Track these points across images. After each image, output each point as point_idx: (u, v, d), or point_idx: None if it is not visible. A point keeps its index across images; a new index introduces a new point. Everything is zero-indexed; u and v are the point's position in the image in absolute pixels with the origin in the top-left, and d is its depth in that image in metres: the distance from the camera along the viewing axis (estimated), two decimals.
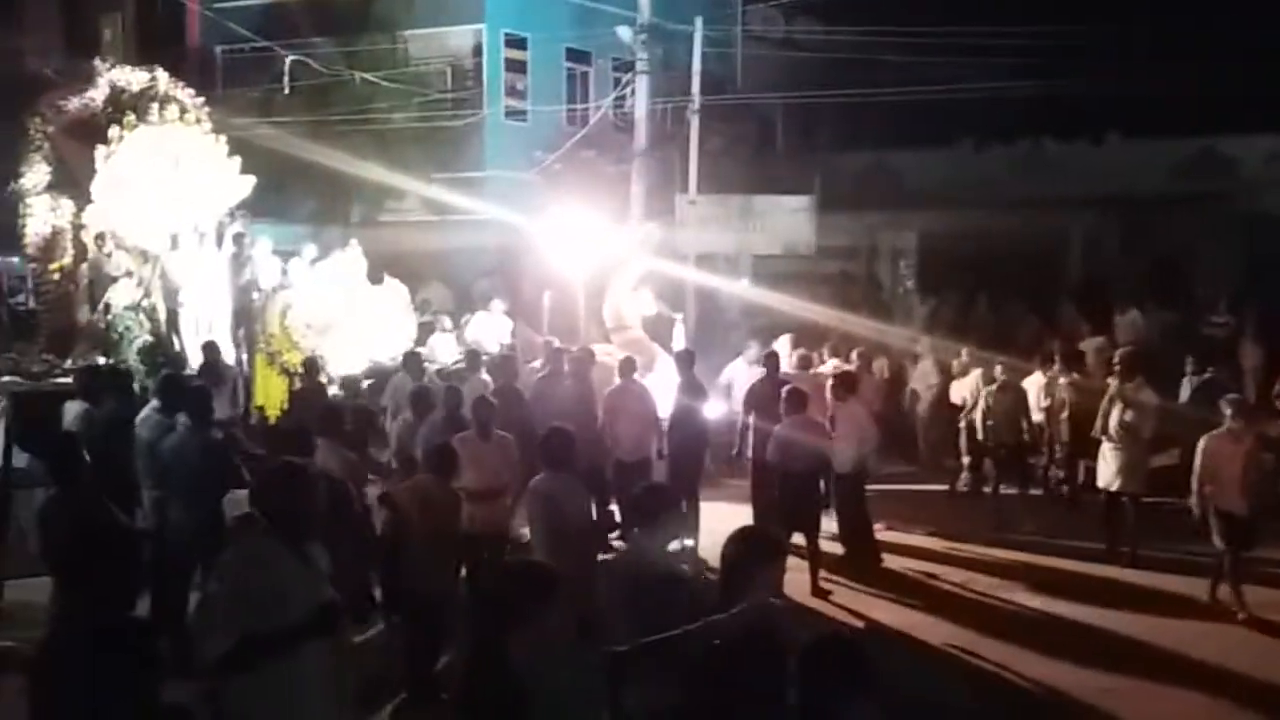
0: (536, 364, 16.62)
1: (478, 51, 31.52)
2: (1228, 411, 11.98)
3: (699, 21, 27.62)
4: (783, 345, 17.54)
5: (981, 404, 16.55)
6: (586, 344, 17.18)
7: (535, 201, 25.01)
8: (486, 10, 31.15)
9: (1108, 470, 14.03)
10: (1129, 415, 13.82)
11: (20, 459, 11.39)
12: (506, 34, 31.51)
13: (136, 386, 13.75)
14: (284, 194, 23.78)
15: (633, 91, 25.52)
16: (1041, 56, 28.91)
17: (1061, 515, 16.10)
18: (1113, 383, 14.30)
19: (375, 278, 19.04)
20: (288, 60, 28.75)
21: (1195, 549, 12.78)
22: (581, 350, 15.88)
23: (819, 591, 12.60)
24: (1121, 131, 32.07)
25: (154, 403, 11.45)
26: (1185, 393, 17.19)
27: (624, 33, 25.08)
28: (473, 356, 16.69)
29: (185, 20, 31.74)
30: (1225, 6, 33.94)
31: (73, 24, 33.79)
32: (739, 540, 5.83)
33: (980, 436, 16.61)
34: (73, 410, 11.71)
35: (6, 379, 14.41)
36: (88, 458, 8.74)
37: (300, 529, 5.72)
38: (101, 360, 15.72)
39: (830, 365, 17.39)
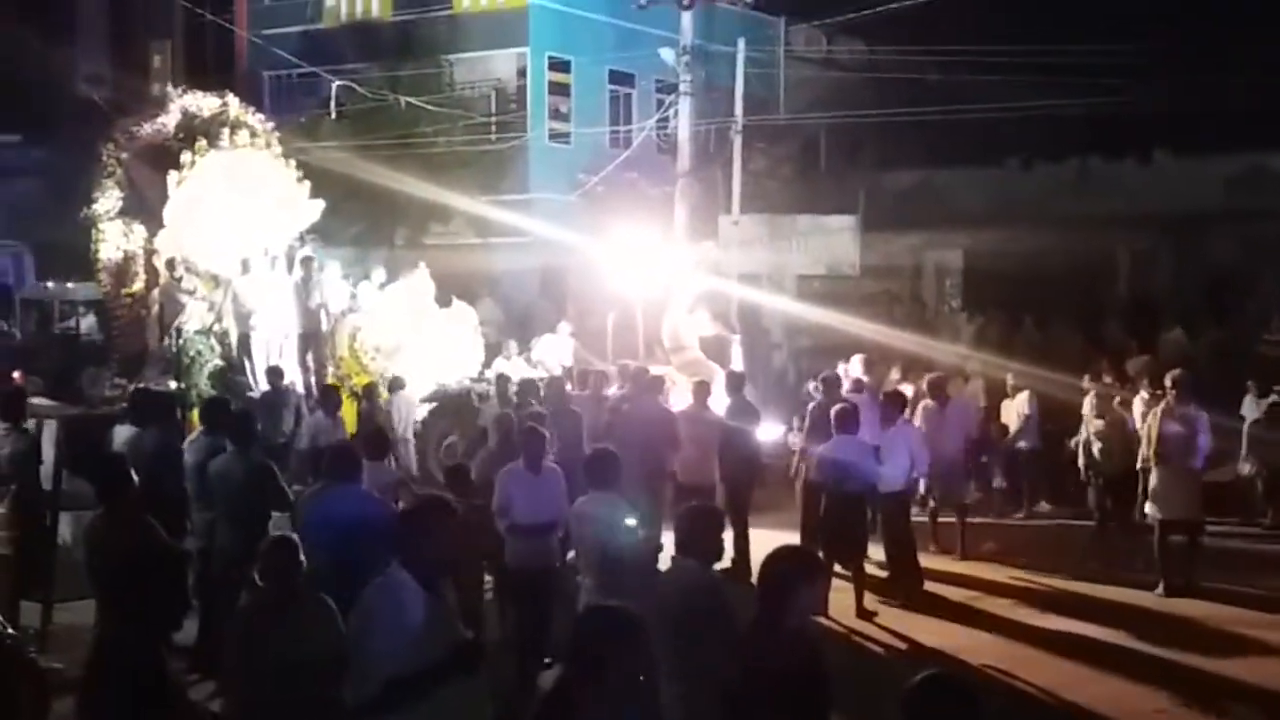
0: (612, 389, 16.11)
1: (522, 75, 31.66)
2: None
3: (741, 43, 27.68)
4: (855, 366, 17.40)
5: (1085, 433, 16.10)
6: (645, 365, 17.01)
7: (579, 223, 25.10)
8: (530, 34, 31.26)
9: (1162, 496, 13.22)
10: (1184, 433, 13.14)
11: (70, 482, 11.47)
12: (550, 57, 31.62)
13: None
14: (329, 217, 23.94)
15: (676, 113, 25.55)
16: (1088, 75, 28.79)
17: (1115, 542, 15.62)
18: (1164, 403, 13.65)
19: (443, 300, 19.03)
20: (334, 85, 29.00)
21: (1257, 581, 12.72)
22: (652, 372, 15.68)
23: (864, 613, 12.48)
24: (1170, 149, 31.83)
25: (201, 427, 11.58)
26: (1250, 411, 17.06)
27: (667, 54, 25.13)
28: (503, 382, 16.51)
29: (233, 46, 32.02)
30: (1274, 19, 33.68)
31: (122, 50, 34.15)
32: (780, 559, 5.79)
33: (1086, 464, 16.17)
34: (122, 434, 11.78)
35: (53, 403, 14.51)
36: (136, 480, 8.81)
37: (436, 569, 5.65)
38: (173, 384, 15.93)
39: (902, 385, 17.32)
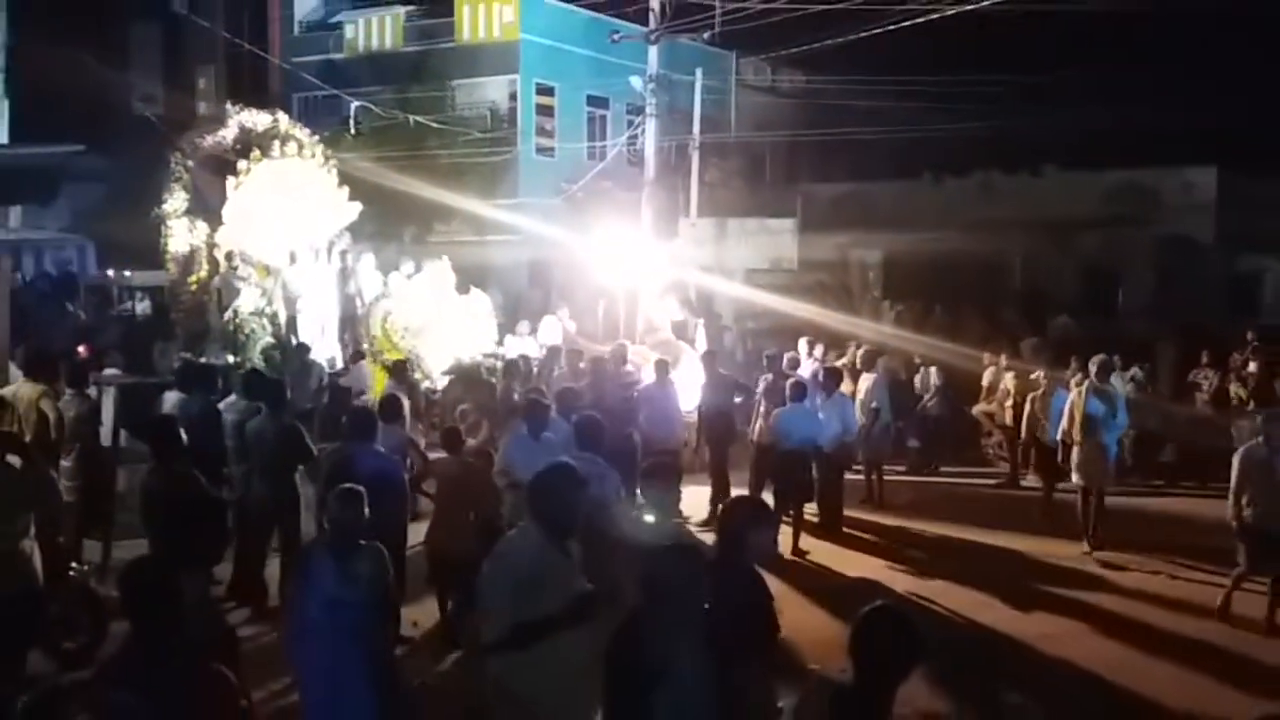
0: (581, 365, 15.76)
1: (513, 98, 31.61)
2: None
3: (699, 72, 27.70)
4: (802, 344, 17.43)
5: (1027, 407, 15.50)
6: (622, 343, 16.87)
7: (562, 224, 25.08)
8: (521, 64, 31.24)
9: (1085, 467, 12.77)
10: (1103, 411, 12.80)
11: (127, 440, 11.42)
12: (537, 83, 31.60)
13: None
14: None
15: (643, 131, 25.48)
16: (990, 102, 28.90)
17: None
18: (1087, 383, 13.11)
19: (461, 288, 18.92)
20: (353, 105, 28.81)
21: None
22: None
23: (798, 551, 12.52)
24: (1058, 165, 32.01)
25: (238, 392, 11.55)
26: (1117, 383, 16.93)
27: (636, 82, 25.04)
28: (524, 360, 16.43)
29: (267, 71, 31.80)
30: (1145, 55, 33.84)
31: (172, 73, 33.89)
32: (736, 509, 5.75)
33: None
34: (170, 399, 11.71)
35: (112, 373, 14.39)
36: (183, 438, 8.75)
37: (563, 526, 5.47)
38: (230, 358, 15.89)
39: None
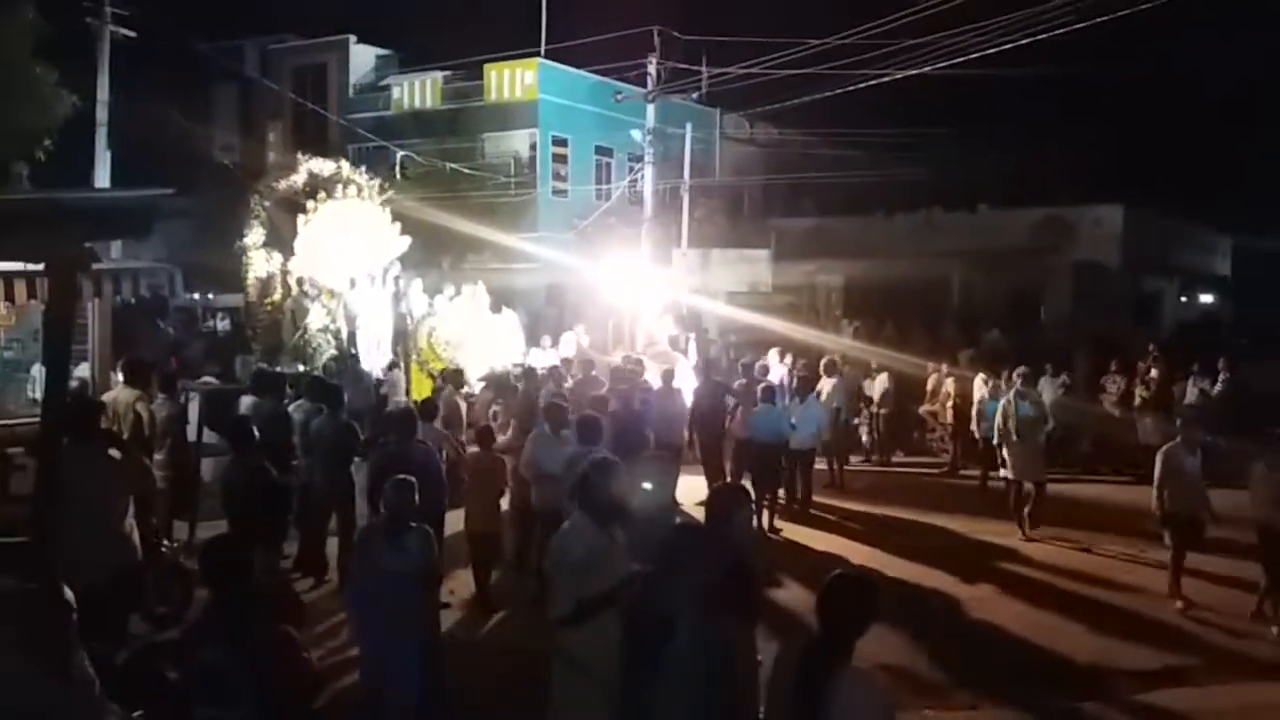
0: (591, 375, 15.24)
1: (533, 148, 31.58)
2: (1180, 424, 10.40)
3: (688, 127, 27.73)
4: (773, 354, 17.41)
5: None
6: (639, 358, 16.72)
7: (574, 254, 25.09)
8: (540, 119, 31.26)
9: (1017, 463, 12.45)
10: (1033, 413, 12.57)
11: (209, 437, 11.43)
12: (553, 136, 31.60)
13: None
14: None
15: (642, 176, 25.54)
16: (932, 150, 28.96)
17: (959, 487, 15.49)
18: (1014, 389, 12.82)
19: (495, 308, 18.85)
20: (399, 155, 28.86)
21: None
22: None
23: (773, 529, 12.52)
24: (990, 204, 32.10)
25: (303, 396, 11.57)
26: (1045, 388, 16.84)
27: (636, 134, 25.12)
28: (553, 370, 15.92)
29: (326, 126, 31.84)
30: (1064, 111, 33.94)
31: (246, 127, 33.94)
32: (721, 492, 5.78)
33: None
34: (246, 402, 11.72)
35: (198, 380, 14.40)
36: (256, 435, 8.75)
37: (608, 513, 5.41)
38: (300, 368, 15.93)
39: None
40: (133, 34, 20.20)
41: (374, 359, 17.13)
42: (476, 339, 17.95)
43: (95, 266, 7.11)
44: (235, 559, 4.37)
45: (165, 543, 9.25)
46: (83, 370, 11.53)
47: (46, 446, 5.59)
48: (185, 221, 25.40)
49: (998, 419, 12.77)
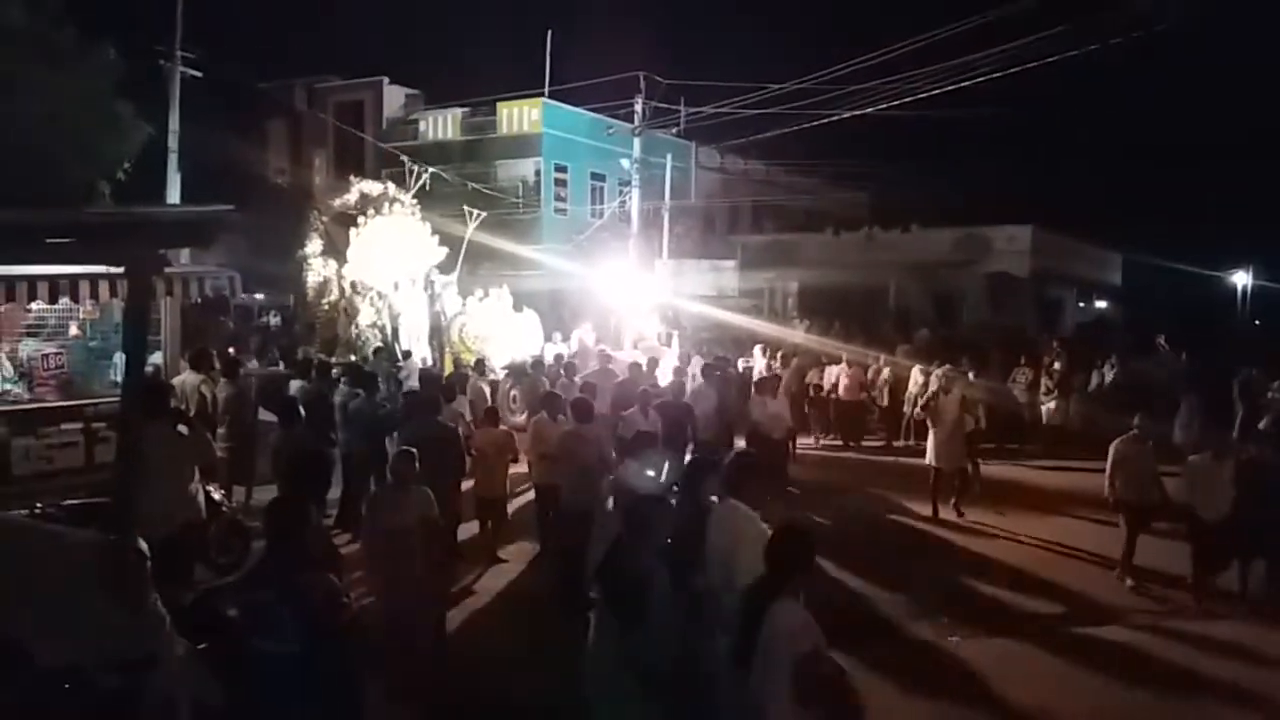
0: (592, 365, 14.87)
1: (537, 174, 31.49)
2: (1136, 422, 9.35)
3: (669, 156, 27.68)
4: (756, 350, 17.29)
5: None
6: (654, 358, 16.52)
7: (573, 264, 25.02)
8: (544, 149, 31.17)
9: (938, 451, 11.48)
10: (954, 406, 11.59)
11: (263, 414, 11.40)
12: (555, 163, 31.52)
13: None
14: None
15: (630, 198, 25.50)
16: (873, 178, 29.02)
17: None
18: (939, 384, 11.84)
19: (517, 308, 18.76)
20: (427, 174, 28.59)
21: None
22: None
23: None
24: (920, 223, 32.20)
25: (345, 380, 11.51)
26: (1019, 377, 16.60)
27: (625, 163, 25.06)
28: (558, 360, 15.88)
29: (364, 152, 31.68)
30: (983, 145, 34.04)
31: (296, 153, 33.70)
32: (693, 463, 5.84)
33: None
34: (295, 385, 11.68)
35: (254, 366, 14.31)
36: (303, 413, 8.74)
37: (756, 498, 5.12)
38: (352, 357, 15.75)
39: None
40: (199, 74, 20.06)
41: (417, 350, 17.07)
42: (501, 334, 17.92)
43: (167, 270, 7.08)
44: (291, 518, 4.38)
45: (226, 504, 9.22)
46: (156, 358, 11.45)
47: (125, 422, 5.56)
48: (241, 235, 25.26)
49: (919, 404, 12.27)
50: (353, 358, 15.71)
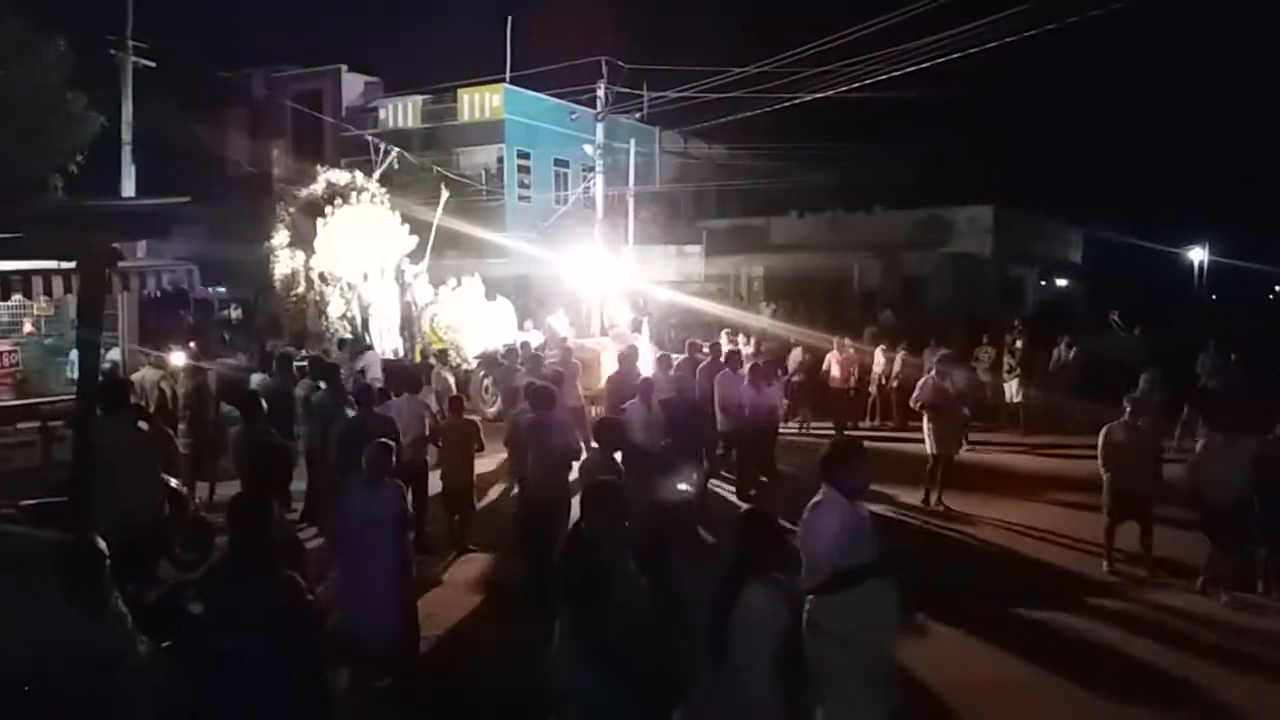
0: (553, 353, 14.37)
1: (500, 161, 31.31)
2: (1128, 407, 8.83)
3: (632, 142, 27.59)
4: (722, 336, 17.18)
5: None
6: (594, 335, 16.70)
7: (538, 250, 24.93)
8: (506, 136, 30.99)
9: (937, 438, 11.05)
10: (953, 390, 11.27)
11: (225, 408, 11.25)
12: (518, 150, 31.37)
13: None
14: None
15: (594, 184, 25.42)
16: (838, 161, 29.13)
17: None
18: (933, 371, 11.51)
19: (490, 296, 18.47)
20: (393, 157, 28.08)
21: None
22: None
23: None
24: (883, 205, 32.42)
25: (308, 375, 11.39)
26: (928, 359, 16.68)
27: (588, 149, 24.96)
28: (525, 347, 15.03)
29: (323, 143, 31.33)
30: (944, 127, 34.29)
31: (255, 142, 33.22)
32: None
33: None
34: (256, 379, 11.54)
35: (215, 361, 14.11)
36: (265, 407, 8.63)
37: (855, 490, 4.79)
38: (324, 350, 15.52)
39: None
40: (152, 64, 19.68)
41: (386, 342, 16.92)
42: (473, 324, 17.77)
43: (122, 264, 6.95)
44: (254, 514, 4.33)
45: (189, 500, 9.10)
46: (114, 354, 11.28)
47: (80, 419, 5.47)
48: (201, 226, 24.87)
49: (919, 393, 11.39)
50: (323, 350, 15.54)
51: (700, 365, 12.64)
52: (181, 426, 10.32)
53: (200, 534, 8.49)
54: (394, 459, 6.28)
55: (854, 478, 4.77)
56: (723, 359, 12.25)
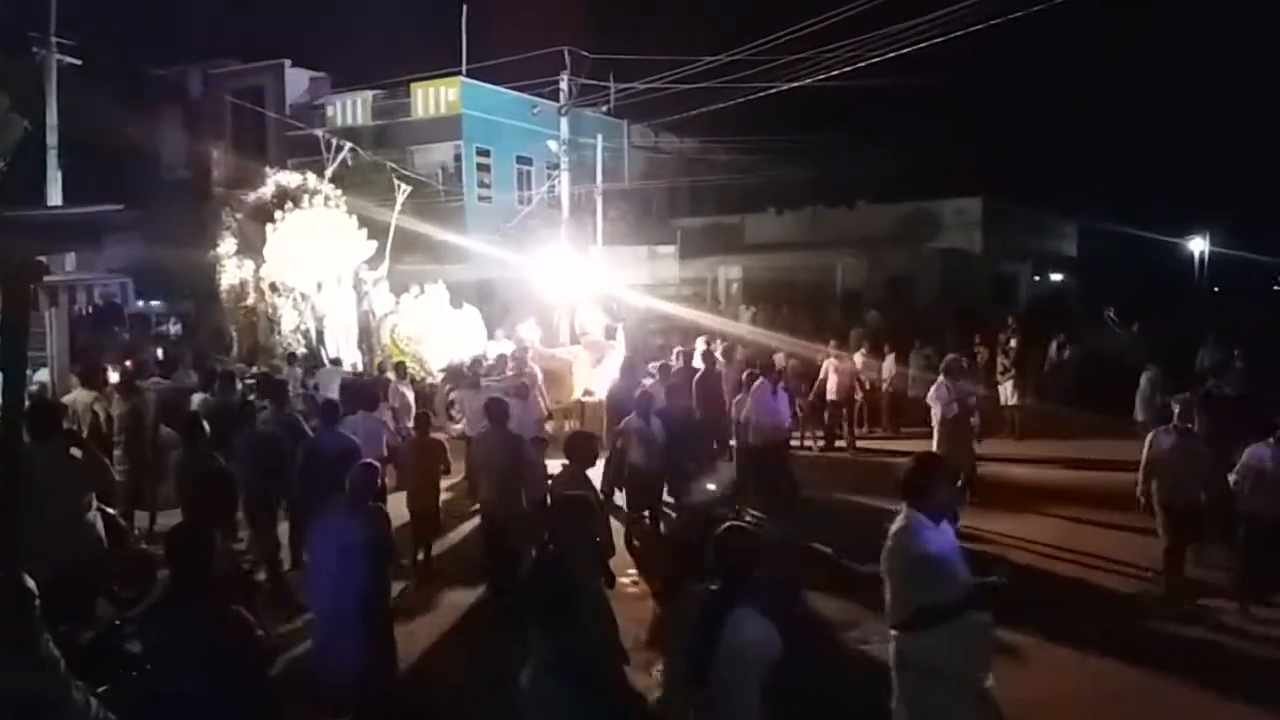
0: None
1: (458, 159, 31.27)
2: (1176, 409, 8.43)
3: (599, 137, 27.65)
4: (699, 342, 17.16)
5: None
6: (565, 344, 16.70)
7: (501, 252, 24.89)
8: (464, 132, 30.95)
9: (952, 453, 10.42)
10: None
11: (164, 430, 11.11)
12: (477, 147, 31.33)
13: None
14: None
15: (559, 182, 25.42)
16: (818, 155, 29.33)
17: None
18: (940, 380, 11.20)
19: (455, 304, 18.40)
20: (345, 153, 27.91)
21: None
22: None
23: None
24: (866, 200, 32.62)
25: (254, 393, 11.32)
26: (913, 360, 16.81)
27: (552, 145, 24.94)
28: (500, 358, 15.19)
29: (266, 145, 31.15)
30: (929, 117, 34.61)
31: (191, 147, 32.99)
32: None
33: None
34: (196, 399, 11.44)
35: (152, 381, 13.95)
36: (206, 429, 8.55)
37: (939, 510, 4.64)
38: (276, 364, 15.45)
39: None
40: (78, 62, 19.47)
41: (345, 355, 16.80)
42: (437, 334, 17.68)
43: (51, 280, 6.88)
44: (195, 545, 4.28)
45: (127, 531, 8.98)
46: (43, 375, 11.13)
47: (6, 447, 5.39)
48: (134, 235, 24.64)
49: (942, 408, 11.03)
50: (275, 364, 15.42)
51: (696, 376, 12.74)
52: (117, 452, 10.18)
53: (139, 568, 8.32)
54: (380, 481, 6.25)
55: (939, 498, 4.64)
56: (757, 369, 12.12)
